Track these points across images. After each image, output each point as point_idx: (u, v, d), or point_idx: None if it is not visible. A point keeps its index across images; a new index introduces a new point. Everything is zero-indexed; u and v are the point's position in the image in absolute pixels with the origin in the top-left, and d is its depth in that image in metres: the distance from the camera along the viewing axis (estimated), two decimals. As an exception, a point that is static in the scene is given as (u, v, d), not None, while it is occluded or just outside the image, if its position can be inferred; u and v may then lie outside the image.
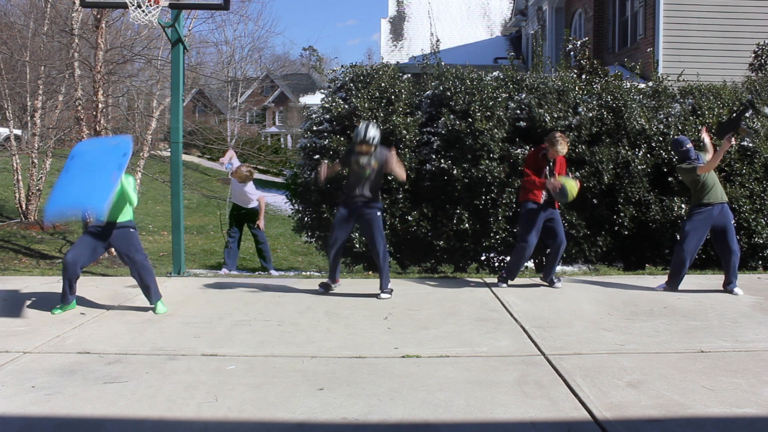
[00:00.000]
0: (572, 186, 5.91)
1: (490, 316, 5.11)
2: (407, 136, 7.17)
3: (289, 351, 4.19)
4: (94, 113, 8.66)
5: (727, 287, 5.93)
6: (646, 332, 4.60)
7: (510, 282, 6.32)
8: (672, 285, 6.03)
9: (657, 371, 3.76)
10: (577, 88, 7.57)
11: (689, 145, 6.01)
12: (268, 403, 3.31)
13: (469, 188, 7.15)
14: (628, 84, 7.91)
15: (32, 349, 4.19)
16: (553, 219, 6.15)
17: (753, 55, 11.69)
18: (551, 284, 6.23)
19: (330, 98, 7.49)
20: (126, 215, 5.18)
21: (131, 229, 5.21)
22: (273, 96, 48.68)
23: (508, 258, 7.66)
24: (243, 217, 8.06)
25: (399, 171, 5.71)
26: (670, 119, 7.53)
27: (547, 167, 6.08)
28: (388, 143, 7.20)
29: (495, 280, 6.55)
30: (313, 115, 7.68)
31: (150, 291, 5.22)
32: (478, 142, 7.07)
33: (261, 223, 8.01)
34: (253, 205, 8.00)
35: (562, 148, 6.01)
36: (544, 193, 6.06)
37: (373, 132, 5.56)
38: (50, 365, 3.87)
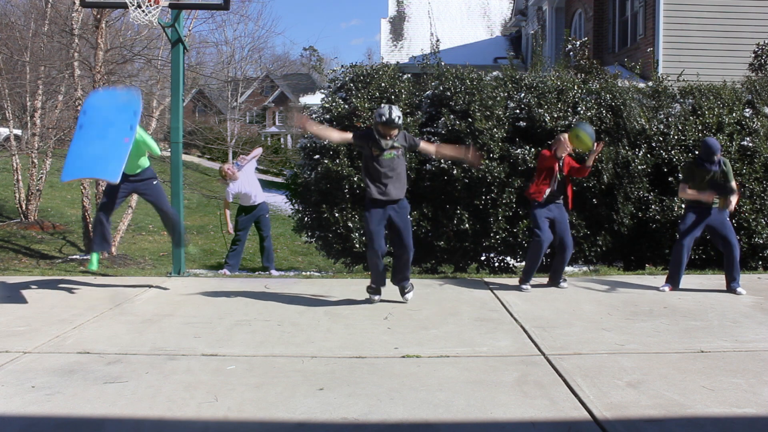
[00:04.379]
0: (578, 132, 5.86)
1: (490, 316, 5.11)
2: (407, 136, 7.17)
3: (289, 351, 4.19)
4: (94, 113, 8.65)
5: (731, 285, 5.92)
6: (646, 332, 4.60)
7: (530, 284, 6.14)
8: (673, 282, 6.03)
9: (657, 371, 3.76)
10: (576, 87, 7.57)
11: (718, 156, 5.89)
12: (268, 403, 3.31)
13: (469, 188, 7.15)
14: (626, 83, 7.91)
15: (32, 349, 4.19)
16: (562, 221, 6.10)
17: (753, 55, 11.69)
18: (557, 285, 6.21)
19: (330, 98, 7.50)
20: (144, 165, 5.67)
21: (154, 181, 5.76)
22: (273, 96, 48.66)
23: (509, 258, 7.68)
24: (250, 215, 8.02)
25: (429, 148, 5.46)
26: (670, 119, 7.53)
27: (557, 164, 6.04)
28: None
29: (495, 279, 6.55)
30: (313, 115, 7.69)
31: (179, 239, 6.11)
32: (477, 142, 7.07)
33: (230, 166, 7.91)
34: (256, 201, 7.97)
35: (567, 149, 6.03)
36: (547, 191, 6.05)
37: (398, 112, 5.15)
38: (50, 365, 3.87)
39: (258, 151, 8.44)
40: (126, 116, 5.15)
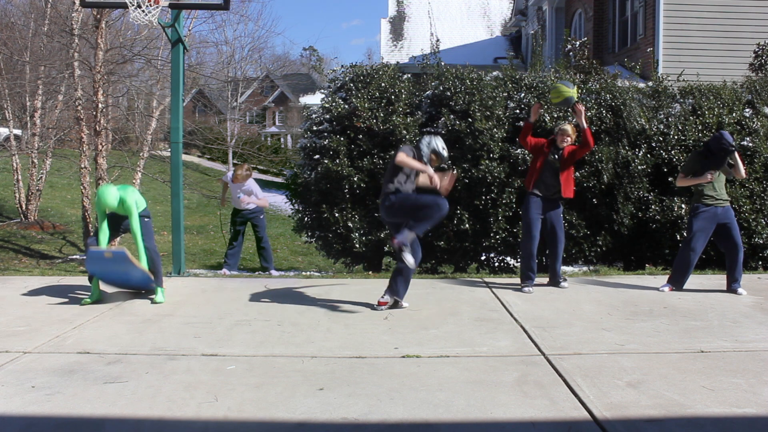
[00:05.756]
0: (560, 86, 5.90)
1: (490, 316, 5.11)
2: (407, 136, 7.17)
3: (289, 351, 4.19)
4: (94, 113, 8.67)
5: (732, 285, 5.92)
6: (646, 332, 4.60)
7: (533, 284, 6.11)
8: (678, 284, 6.02)
9: (657, 371, 3.76)
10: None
11: (732, 148, 5.86)
12: (268, 403, 3.31)
13: (469, 188, 7.15)
14: (626, 83, 7.92)
15: (32, 349, 4.19)
16: (555, 220, 6.12)
17: (753, 55, 11.69)
18: (557, 285, 6.21)
19: (330, 98, 7.50)
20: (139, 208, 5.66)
21: (145, 219, 5.72)
22: (273, 96, 48.66)
23: (509, 258, 7.68)
24: (243, 217, 8.04)
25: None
26: (670, 119, 7.53)
27: (556, 156, 6.05)
28: (388, 143, 7.21)
29: (495, 279, 6.55)
30: (313, 115, 7.69)
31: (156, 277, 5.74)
32: (478, 142, 7.07)
33: (246, 198, 7.83)
34: (248, 207, 7.96)
35: (566, 126, 6.09)
36: (536, 180, 6.08)
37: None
38: (50, 365, 3.87)
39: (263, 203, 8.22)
40: (137, 281, 5.62)
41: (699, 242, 5.94)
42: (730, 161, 5.96)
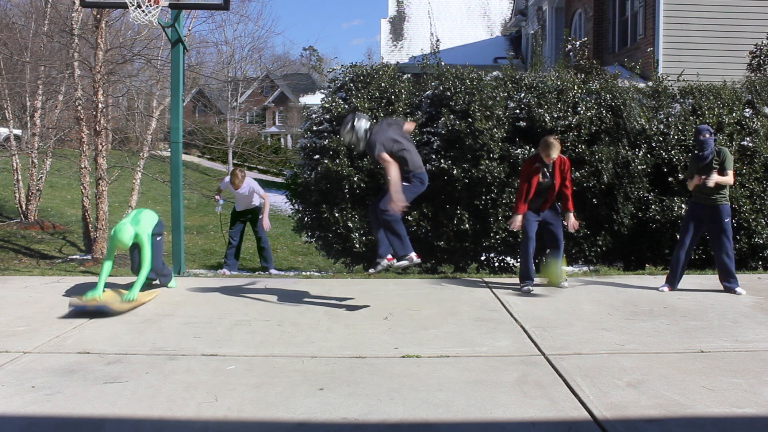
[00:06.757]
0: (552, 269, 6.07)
1: (490, 316, 5.11)
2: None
3: (289, 351, 4.19)
4: (94, 113, 8.67)
5: (729, 286, 5.91)
6: (646, 332, 4.60)
7: (532, 284, 6.09)
8: (671, 282, 6.03)
9: (657, 371, 3.76)
10: (576, 87, 7.57)
11: (707, 135, 5.82)
12: (268, 403, 3.31)
13: (469, 188, 7.15)
14: (626, 83, 7.91)
15: (32, 349, 4.19)
16: (553, 220, 6.12)
17: (750, 55, 11.68)
18: (557, 285, 6.21)
19: (330, 98, 7.50)
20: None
21: (157, 237, 5.80)
22: (273, 96, 48.66)
23: (509, 258, 7.68)
24: (245, 217, 8.03)
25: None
26: (670, 119, 7.53)
27: (543, 171, 5.94)
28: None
29: (495, 279, 6.55)
30: (313, 115, 7.69)
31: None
32: (478, 142, 7.07)
33: (265, 221, 7.80)
34: (255, 203, 7.97)
35: (554, 152, 5.83)
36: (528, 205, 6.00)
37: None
38: (50, 365, 3.87)
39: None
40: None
41: (686, 239, 5.97)
42: (715, 163, 5.83)
